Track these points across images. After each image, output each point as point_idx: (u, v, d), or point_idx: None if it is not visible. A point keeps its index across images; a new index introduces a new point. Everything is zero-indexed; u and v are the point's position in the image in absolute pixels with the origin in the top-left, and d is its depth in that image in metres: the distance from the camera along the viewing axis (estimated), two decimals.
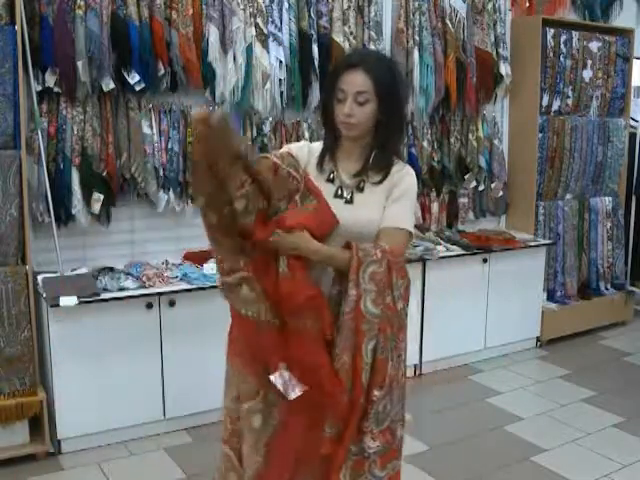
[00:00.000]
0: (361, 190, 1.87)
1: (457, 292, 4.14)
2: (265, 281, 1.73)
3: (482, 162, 4.61)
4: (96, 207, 3.27)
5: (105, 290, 3.11)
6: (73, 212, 3.23)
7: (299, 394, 1.70)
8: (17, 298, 2.95)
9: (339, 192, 1.87)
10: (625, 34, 5.09)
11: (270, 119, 3.73)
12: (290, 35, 3.68)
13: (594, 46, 4.89)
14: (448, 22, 4.28)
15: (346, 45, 3.83)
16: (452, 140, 4.49)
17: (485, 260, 4.27)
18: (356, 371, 1.70)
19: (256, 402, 1.80)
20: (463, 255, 4.16)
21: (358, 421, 1.72)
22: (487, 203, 4.77)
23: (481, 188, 4.69)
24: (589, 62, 4.88)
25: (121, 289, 3.14)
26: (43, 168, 3.07)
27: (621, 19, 5.30)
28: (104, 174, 3.27)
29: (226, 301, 1.81)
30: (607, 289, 5.17)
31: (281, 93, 3.70)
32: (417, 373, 4.16)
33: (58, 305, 2.89)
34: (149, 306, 3.17)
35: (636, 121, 5.48)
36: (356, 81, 1.78)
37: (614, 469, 3.07)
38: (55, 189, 3.15)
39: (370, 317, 1.70)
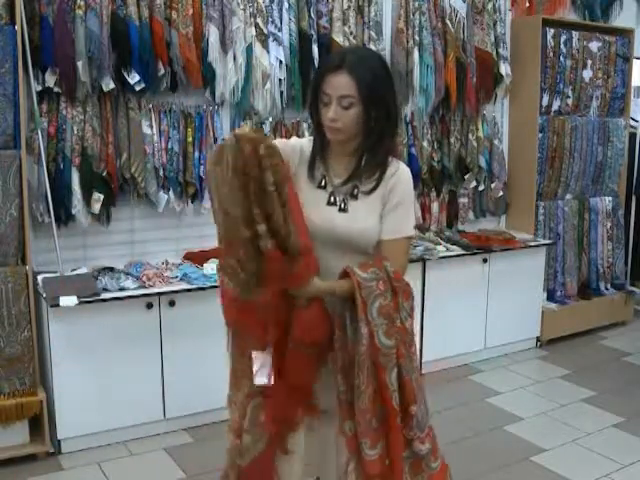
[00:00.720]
0: (355, 197, 1.80)
1: (457, 292, 4.14)
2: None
3: (482, 162, 4.61)
4: (96, 207, 3.27)
5: (105, 290, 3.10)
6: (73, 212, 3.23)
7: (266, 384, 1.71)
8: (17, 298, 2.95)
9: (332, 199, 1.80)
10: (625, 34, 5.09)
11: (270, 119, 3.73)
12: (290, 35, 3.68)
13: (594, 46, 4.89)
14: (448, 22, 4.27)
15: (346, 45, 3.83)
16: (452, 140, 4.49)
17: (485, 260, 4.27)
18: (385, 400, 1.71)
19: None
20: (463, 255, 4.16)
21: (401, 434, 1.74)
22: (487, 203, 4.77)
23: (481, 188, 4.69)
24: (589, 62, 4.87)
25: (121, 289, 3.14)
26: (43, 168, 3.07)
27: (621, 19, 5.30)
28: (104, 174, 3.27)
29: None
30: (607, 289, 5.17)
31: (281, 93, 3.70)
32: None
33: (58, 305, 2.89)
34: (149, 306, 3.17)
35: (636, 121, 5.48)
36: (339, 84, 1.71)
37: (614, 469, 3.07)
38: (55, 189, 3.15)
39: (386, 350, 1.69)
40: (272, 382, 1.72)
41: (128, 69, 3.23)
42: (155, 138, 3.40)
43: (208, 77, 3.47)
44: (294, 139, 1.95)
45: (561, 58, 4.71)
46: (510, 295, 4.39)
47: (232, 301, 1.72)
